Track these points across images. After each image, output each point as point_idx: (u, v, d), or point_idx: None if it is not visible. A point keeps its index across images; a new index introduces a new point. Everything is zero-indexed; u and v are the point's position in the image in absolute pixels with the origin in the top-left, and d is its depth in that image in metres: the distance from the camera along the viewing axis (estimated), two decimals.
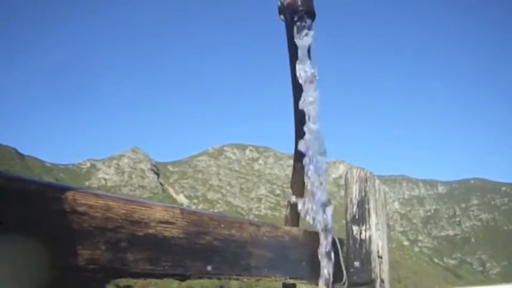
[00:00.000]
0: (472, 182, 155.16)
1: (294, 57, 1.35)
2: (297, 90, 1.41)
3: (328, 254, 1.37)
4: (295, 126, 1.52)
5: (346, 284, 1.53)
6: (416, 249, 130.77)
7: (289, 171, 1.65)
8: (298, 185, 1.64)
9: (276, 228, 1.36)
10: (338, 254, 1.54)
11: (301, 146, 1.37)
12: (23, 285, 0.76)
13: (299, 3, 1.17)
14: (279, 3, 1.24)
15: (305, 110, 1.32)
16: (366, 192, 1.61)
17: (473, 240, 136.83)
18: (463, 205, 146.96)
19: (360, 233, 1.57)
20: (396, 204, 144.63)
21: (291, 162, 1.65)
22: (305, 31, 1.23)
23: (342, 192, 1.73)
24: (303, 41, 1.25)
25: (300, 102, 1.33)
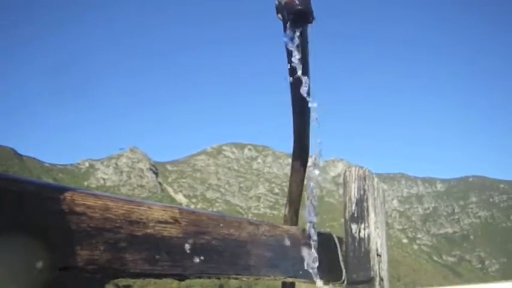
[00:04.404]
0: (470, 179, 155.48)
1: (291, 55, 1.35)
2: (295, 89, 1.41)
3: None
4: (294, 125, 1.52)
5: (345, 282, 1.54)
6: (415, 247, 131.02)
7: (287, 169, 1.65)
8: (296, 183, 1.64)
9: (275, 227, 1.36)
10: (337, 252, 1.55)
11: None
12: (22, 286, 0.75)
13: (297, 2, 1.17)
14: (277, 2, 1.23)
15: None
16: (364, 190, 1.61)
17: (472, 237, 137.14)
18: (461, 203, 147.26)
19: (359, 231, 1.57)
20: (395, 202, 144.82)
21: (290, 161, 1.65)
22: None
23: (341, 191, 1.73)
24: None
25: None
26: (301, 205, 1.70)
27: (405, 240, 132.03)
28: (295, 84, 1.36)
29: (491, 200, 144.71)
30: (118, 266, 0.90)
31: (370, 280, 1.53)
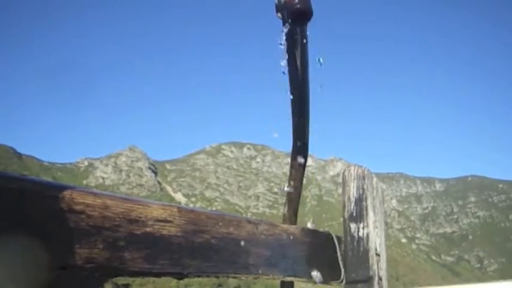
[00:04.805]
0: (469, 179, 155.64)
1: (291, 54, 1.35)
2: (295, 88, 1.41)
3: None
4: (293, 124, 1.52)
5: (344, 281, 1.54)
6: (414, 246, 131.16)
7: (286, 169, 1.65)
8: (296, 182, 1.64)
9: (274, 226, 1.36)
10: (336, 251, 1.55)
11: None
12: (21, 285, 0.75)
13: (296, 1, 1.17)
14: (276, 1, 1.23)
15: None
16: (363, 189, 1.61)
17: (470, 237, 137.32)
18: (460, 202, 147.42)
19: (358, 231, 1.57)
20: (394, 202, 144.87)
21: (289, 160, 1.65)
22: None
23: (340, 190, 1.73)
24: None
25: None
26: (300, 204, 1.70)
27: (404, 240, 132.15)
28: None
29: (490, 200, 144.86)
30: (117, 264, 0.90)
31: (369, 279, 1.53)
